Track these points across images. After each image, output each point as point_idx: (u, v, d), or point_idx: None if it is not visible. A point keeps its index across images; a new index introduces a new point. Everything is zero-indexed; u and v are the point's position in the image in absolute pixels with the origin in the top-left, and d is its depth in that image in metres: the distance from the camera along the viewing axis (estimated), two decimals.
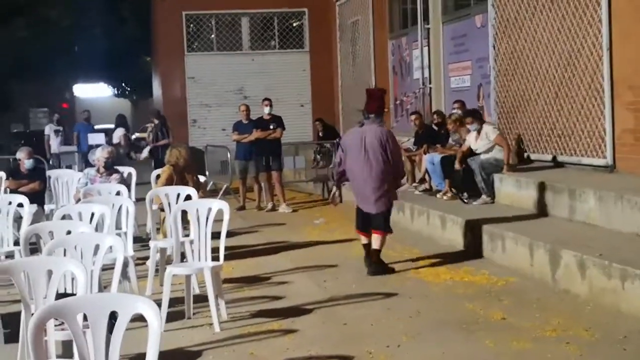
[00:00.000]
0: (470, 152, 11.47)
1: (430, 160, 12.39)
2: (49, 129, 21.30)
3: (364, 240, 9.27)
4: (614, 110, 10.45)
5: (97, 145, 14.12)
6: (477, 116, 11.69)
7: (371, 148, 9.02)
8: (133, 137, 25.61)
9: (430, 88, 16.50)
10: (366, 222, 9.24)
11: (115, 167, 10.74)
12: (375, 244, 9.09)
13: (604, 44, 10.47)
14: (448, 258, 9.57)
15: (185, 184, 9.32)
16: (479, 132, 11.37)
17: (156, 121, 17.02)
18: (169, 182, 9.42)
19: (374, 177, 9.05)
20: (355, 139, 9.22)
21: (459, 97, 15.03)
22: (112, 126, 21.93)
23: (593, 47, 10.76)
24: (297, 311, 7.52)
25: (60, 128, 21.10)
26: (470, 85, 15.28)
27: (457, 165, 11.50)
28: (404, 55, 18.70)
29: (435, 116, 14.07)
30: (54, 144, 20.86)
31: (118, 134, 20.32)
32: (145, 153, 16.50)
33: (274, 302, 7.98)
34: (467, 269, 8.89)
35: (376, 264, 9.05)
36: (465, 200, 11.30)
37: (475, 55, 14.90)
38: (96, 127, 21.31)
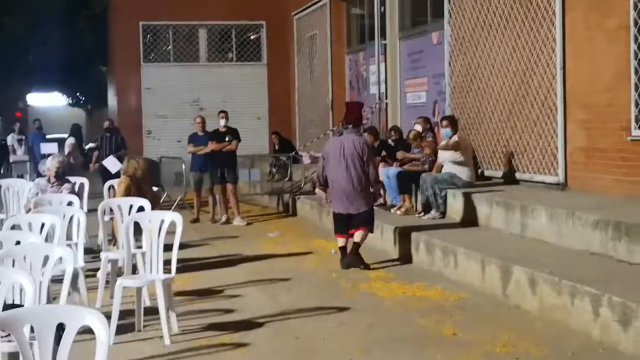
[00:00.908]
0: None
1: (385, 174, 12.43)
2: (11, 139, 20.83)
3: (340, 242, 10.06)
4: (566, 128, 10.61)
5: (50, 155, 13.91)
6: (453, 122, 11.81)
7: (349, 155, 9.84)
8: (87, 147, 25.21)
9: (387, 103, 16.58)
10: (346, 225, 10.02)
11: (66, 177, 10.60)
12: (356, 238, 9.92)
13: (558, 62, 10.63)
14: (401, 273, 9.59)
15: (142, 195, 9.22)
16: (450, 138, 11.51)
17: (107, 128, 16.87)
18: (128, 193, 9.32)
19: (352, 181, 9.84)
20: (335, 148, 10.08)
21: (415, 112, 15.15)
22: (66, 135, 21.60)
23: (547, 66, 10.92)
24: (249, 324, 7.48)
25: (23, 137, 20.64)
26: (426, 101, 15.40)
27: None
28: (361, 70, 18.79)
29: (392, 132, 14.09)
30: (20, 153, 20.50)
31: (68, 144, 19.93)
32: (116, 163, 15.64)
33: (225, 315, 7.92)
34: (420, 284, 8.92)
35: (354, 256, 9.87)
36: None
37: (431, 72, 15.03)
38: (50, 136, 20.99)
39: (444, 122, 11.76)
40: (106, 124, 17.29)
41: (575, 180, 10.52)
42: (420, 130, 12.69)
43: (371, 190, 10.11)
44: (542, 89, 11.05)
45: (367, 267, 9.87)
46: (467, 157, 11.66)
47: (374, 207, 10.49)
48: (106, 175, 14.76)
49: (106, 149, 16.30)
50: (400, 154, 12.70)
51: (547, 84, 10.93)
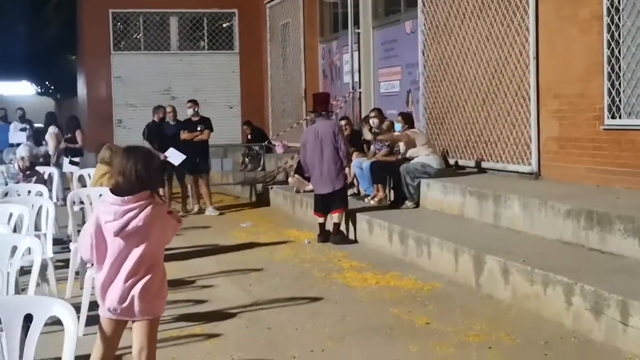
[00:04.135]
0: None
1: (358, 165, 12.40)
2: (13, 128, 20.13)
3: (320, 220, 11.06)
4: (539, 118, 10.63)
5: (18, 144, 13.71)
6: (404, 117, 12.02)
7: (324, 138, 10.89)
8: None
9: (360, 92, 16.54)
10: (324, 205, 11.04)
11: (35, 166, 10.49)
12: (336, 219, 10.93)
13: (531, 52, 10.63)
14: (375, 263, 9.57)
15: None
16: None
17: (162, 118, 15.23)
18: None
19: (328, 161, 10.87)
20: (311, 134, 11.15)
21: (389, 101, 15.13)
22: (39, 125, 21.07)
23: (520, 56, 10.92)
24: (220, 315, 7.42)
25: (27, 125, 19.76)
26: (399, 90, 15.37)
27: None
28: (334, 59, 18.73)
29: (365, 123, 13.93)
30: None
31: (51, 133, 19.03)
32: (179, 154, 14.33)
33: (197, 305, 7.85)
34: (394, 273, 8.90)
35: (337, 235, 10.87)
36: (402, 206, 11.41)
37: (405, 61, 14.99)
38: (22, 126, 20.29)
39: (398, 118, 12.08)
40: (162, 112, 15.29)
41: (549, 169, 10.55)
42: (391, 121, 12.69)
43: (344, 165, 10.99)
44: (516, 79, 11.05)
45: (352, 242, 10.92)
46: (429, 144, 11.80)
47: (347, 189, 11.41)
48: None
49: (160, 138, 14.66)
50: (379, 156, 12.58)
51: (521, 74, 10.93)
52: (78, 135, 16.57)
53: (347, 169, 11.10)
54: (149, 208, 4.59)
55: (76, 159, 16.24)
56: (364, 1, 16.34)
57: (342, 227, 11.11)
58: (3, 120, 19.86)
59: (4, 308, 3.75)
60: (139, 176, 4.59)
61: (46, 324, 3.76)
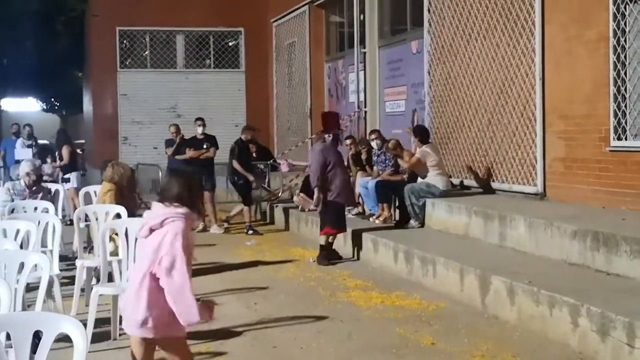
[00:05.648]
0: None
1: (363, 184, 12.42)
2: (21, 143, 20.02)
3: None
4: (545, 138, 10.64)
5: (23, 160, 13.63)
6: (418, 130, 12.09)
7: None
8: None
9: (366, 112, 16.58)
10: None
11: (40, 181, 10.49)
12: (321, 240, 10.91)
13: (537, 73, 10.66)
14: (380, 282, 9.56)
15: (125, 203, 9.01)
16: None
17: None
18: (117, 200, 9.05)
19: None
20: (337, 154, 11.10)
21: (394, 121, 15.14)
22: (44, 142, 21.03)
23: (526, 76, 10.95)
24: (226, 333, 7.40)
25: (32, 142, 19.63)
26: (405, 110, 15.40)
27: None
28: (340, 78, 18.79)
29: (362, 145, 13.81)
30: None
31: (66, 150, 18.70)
32: None
33: (202, 324, 7.83)
34: (399, 293, 8.89)
35: (320, 256, 10.80)
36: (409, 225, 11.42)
37: (411, 81, 15.04)
38: (27, 142, 20.15)
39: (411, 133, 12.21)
40: (250, 133, 15.34)
41: (554, 190, 10.55)
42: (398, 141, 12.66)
43: (312, 186, 11.11)
44: (521, 99, 11.08)
45: (338, 258, 11.01)
46: (439, 165, 11.68)
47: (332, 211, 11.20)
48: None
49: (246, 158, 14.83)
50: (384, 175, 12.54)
51: (526, 94, 10.96)
52: (64, 151, 15.94)
53: (315, 190, 10.88)
54: (167, 220, 4.78)
55: (66, 176, 15.88)
56: (370, 20, 16.41)
57: (348, 246, 11.10)
58: (16, 136, 19.81)
59: (13, 324, 3.75)
60: (179, 198, 4.89)
61: (53, 341, 3.76)
